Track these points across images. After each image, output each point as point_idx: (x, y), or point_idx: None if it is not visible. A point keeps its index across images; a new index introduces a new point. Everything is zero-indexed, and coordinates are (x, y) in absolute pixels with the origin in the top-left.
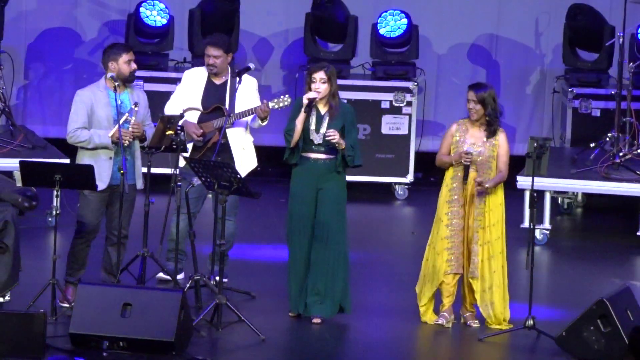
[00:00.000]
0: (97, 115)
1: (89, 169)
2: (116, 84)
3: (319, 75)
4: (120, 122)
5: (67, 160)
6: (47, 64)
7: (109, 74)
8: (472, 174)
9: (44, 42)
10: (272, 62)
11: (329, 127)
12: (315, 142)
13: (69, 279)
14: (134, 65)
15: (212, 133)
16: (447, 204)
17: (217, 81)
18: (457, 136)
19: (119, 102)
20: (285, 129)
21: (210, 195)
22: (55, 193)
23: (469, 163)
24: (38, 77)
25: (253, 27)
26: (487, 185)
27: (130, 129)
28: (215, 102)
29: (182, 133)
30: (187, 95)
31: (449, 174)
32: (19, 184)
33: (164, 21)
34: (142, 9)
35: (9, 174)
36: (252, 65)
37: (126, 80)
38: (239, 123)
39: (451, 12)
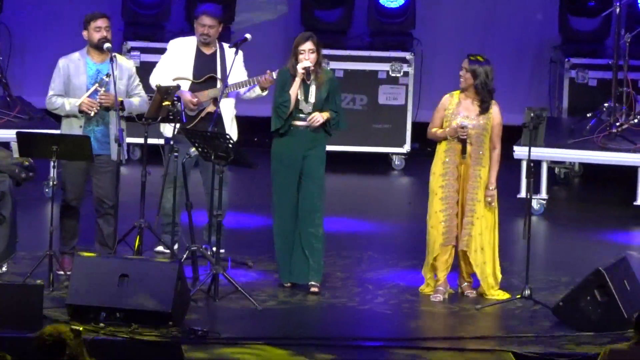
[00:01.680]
0: (72, 84)
1: (86, 140)
2: (109, 49)
3: (307, 46)
4: (89, 92)
5: None
6: (45, 36)
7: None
8: (467, 147)
9: (42, 14)
10: (270, 33)
11: (316, 96)
12: (305, 111)
13: (63, 249)
14: (104, 33)
15: (207, 103)
16: (442, 177)
17: (207, 51)
18: (450, 109)
19: (94, 70)
20: (277, 101)
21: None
22: (52, 164)
23: (465, 137)
24: (35, 48)
25: None
26: (492, 189)
27: (98, 99)
28: (207, 72)
29: (179, 104)
30: (175, 65)
31: (442, 147)
32: (16, 155)
33: None
34: None
35: (5, 145)
36: (249, 36)
37: (96, 48)
38: (232, 94)
39: None
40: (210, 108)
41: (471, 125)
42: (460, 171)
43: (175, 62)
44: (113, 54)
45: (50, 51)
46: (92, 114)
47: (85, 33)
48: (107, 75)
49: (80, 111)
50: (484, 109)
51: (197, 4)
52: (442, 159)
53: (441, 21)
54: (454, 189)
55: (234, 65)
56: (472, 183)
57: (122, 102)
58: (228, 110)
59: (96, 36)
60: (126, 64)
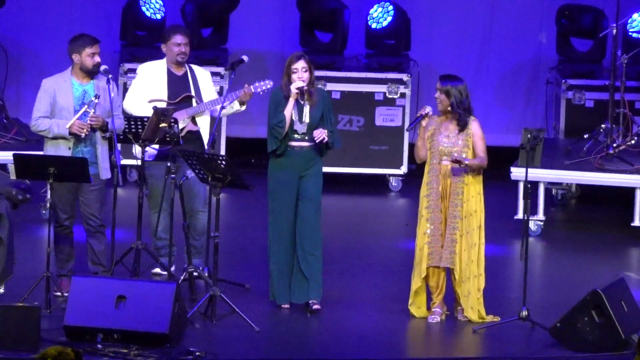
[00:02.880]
0: (58, 105)
1: (83, 162)
2: (106, 71)
3: (301, 64)
4: (79, 113)
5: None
6: (41, 57)
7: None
8: (447, 166)
9: (39, 36)
10: (266, 54)
11: (310, 115)
12: (300, 131)
13: (59, 272)
14: (97, 59)
15: (186, 121)
16: (426, 198)
17: (178, 72)
18: (430, 130)
19: (80, 91)
20: (271, 123)
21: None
22: (48, 186)
23: (425, 112)
24: (32, 69)
25: (246, 20)
26: (466, 162)
27: (88, 121)
28: (181, 93)
29: (176, 125)
30: (148, 88)
31: (426, 168)
32: (13, 177)
33: (162, 14)
34: (141, 3)
35: (2, 167)
36: (245, 58)
37: (89, 73)
38: (211, 111)
39: (444, 3)
40: (191, 127)
41: (451, 144)
42: (445, 190)
43: (148, 85)
44: (110, 76)
45: (47, 73)
46: (83, 135)
47: (76, 57)
48: (96, 96)
49: (71, 133)
50: (462, 127)
51: (195, 27)
52: (426, 180)
53: (438, 42)
54: (439, 208)
55: (205, 85)
56: (453, 200)
57: (107, 123)
58: (206, 128)
59: (91, 62)
60: (110, 85)
